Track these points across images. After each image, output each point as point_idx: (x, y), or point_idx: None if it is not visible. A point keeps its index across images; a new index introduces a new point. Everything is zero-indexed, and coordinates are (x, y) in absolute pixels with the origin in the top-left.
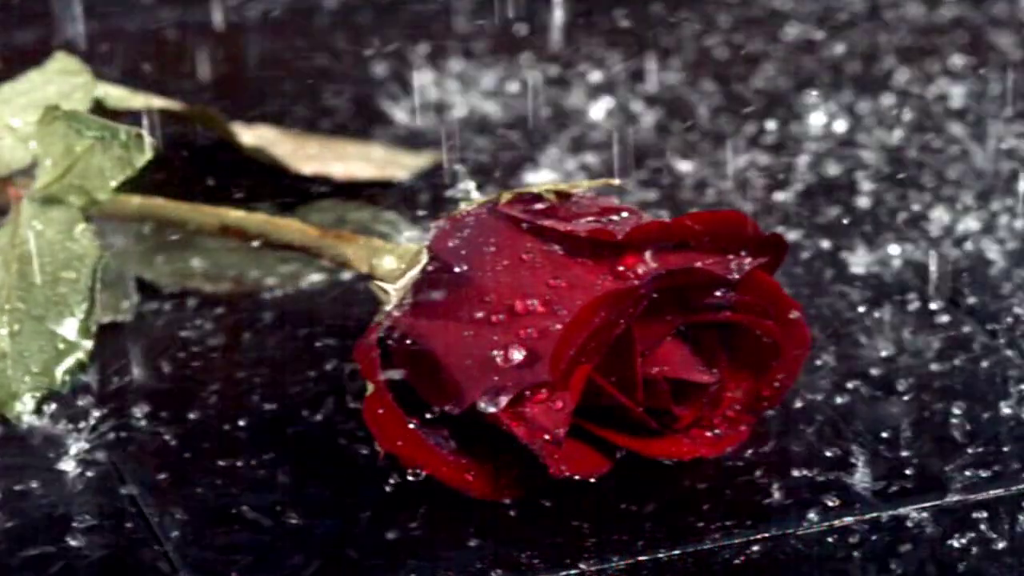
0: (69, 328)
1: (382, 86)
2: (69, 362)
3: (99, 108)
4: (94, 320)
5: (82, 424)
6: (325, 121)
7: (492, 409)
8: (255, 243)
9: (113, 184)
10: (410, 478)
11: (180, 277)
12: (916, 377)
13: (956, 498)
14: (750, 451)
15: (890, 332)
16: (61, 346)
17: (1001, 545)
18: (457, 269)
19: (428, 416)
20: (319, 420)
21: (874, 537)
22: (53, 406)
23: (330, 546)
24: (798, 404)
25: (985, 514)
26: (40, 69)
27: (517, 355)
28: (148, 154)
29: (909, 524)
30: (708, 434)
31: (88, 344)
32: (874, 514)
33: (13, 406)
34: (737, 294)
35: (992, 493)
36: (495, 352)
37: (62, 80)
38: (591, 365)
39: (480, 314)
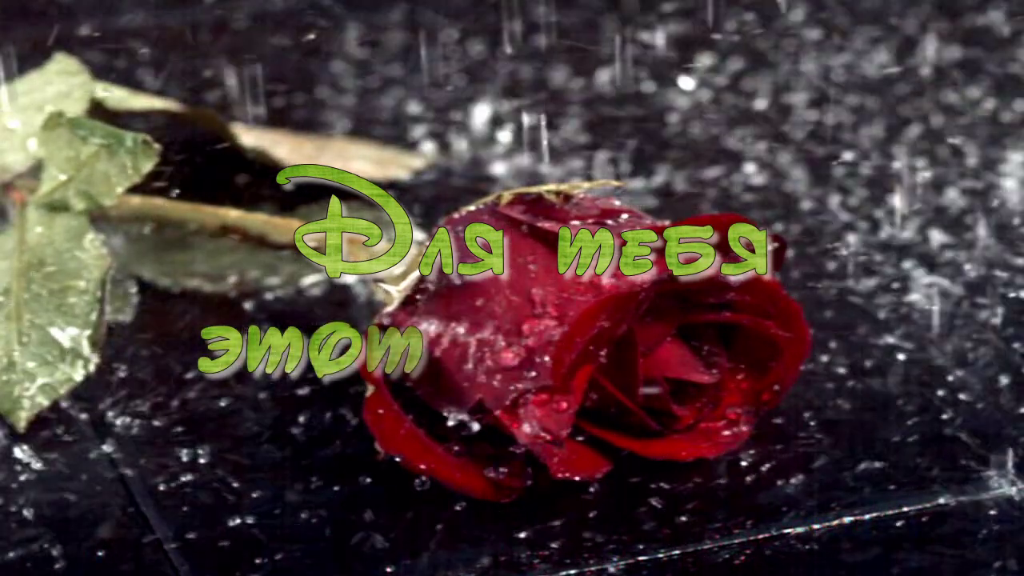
0: (77, 339)
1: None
2: (76, 373)
3: (99, 108)
4: (101, 332)
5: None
6: (324, 121)
7: (493, 410)
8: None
9: (119, 190)
10: (417, 488)
11: (180, 277)
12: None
13: (955, 500)
14: (750, 451)
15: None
16: (68, 357)
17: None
18: None
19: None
20: (318, 421)
21: (874, 537)
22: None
23: (330, 546)
24: (798, 404)
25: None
26: (39, 70)
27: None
28: (155, 160)
29: (910, 524)
30: (708, 434)
31: (95, 357)
32: (875, 514)
33: (19, 415)
34: (737, 294)
35: (991, 494)
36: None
37: (61, 81)
38: (592, 367)
39: (481, 316)
